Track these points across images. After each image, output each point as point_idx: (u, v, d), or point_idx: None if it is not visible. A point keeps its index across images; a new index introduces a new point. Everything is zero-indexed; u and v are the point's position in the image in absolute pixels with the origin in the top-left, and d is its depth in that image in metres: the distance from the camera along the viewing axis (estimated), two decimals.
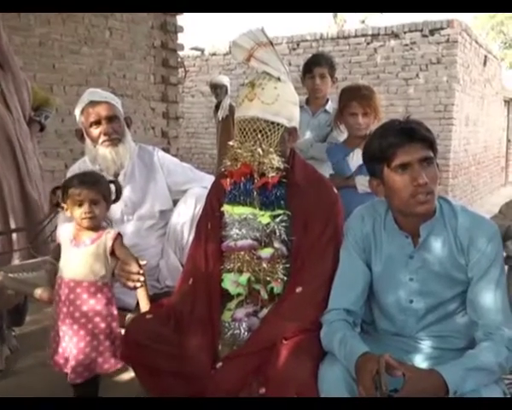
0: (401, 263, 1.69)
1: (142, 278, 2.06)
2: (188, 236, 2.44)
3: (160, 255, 2.62)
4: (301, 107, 3.37)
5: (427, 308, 1.68)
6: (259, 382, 1.66)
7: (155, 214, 2.60)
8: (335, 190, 1.97)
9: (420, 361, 1.67)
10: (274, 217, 1.83)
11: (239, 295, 1.87)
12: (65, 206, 2.04)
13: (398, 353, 1.64)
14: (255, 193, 1.83)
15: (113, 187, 2.13)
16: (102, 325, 1.99)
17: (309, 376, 1.57)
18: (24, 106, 2.97)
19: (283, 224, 1.83)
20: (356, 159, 2.64)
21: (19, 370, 2.74)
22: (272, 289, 1.85)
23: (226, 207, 1.89)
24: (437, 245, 1.64)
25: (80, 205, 1.99)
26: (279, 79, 1.83)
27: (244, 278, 1.84)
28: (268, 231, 1.83)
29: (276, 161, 1.79)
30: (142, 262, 2.08)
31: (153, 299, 2.38)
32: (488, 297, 1.58)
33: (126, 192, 2.55)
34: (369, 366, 1.43)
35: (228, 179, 1.88)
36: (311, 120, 3.33)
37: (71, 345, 1.97)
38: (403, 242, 1.68)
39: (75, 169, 2.61)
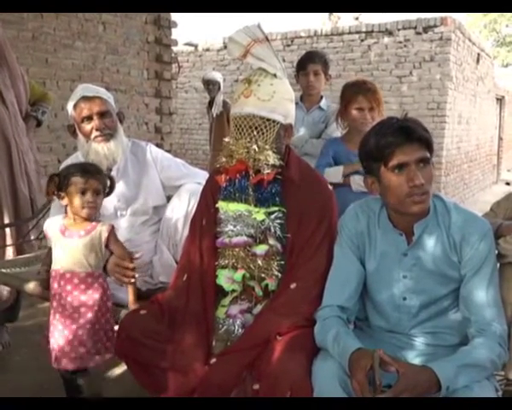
0: (395, 260, 1.69)
1: (136, 275, 2.06)
2: (181, 232, 2.43)
3: (153, 251, 2.61)
4: (296, 103, 3.39)
5: (421, 305, 1.68)
6: (253, 378, 1.66)
7: (149, 210, 2.60)
8: (330, 187, 1.97)
9: (413, 358, 1.68)
10: (269, 214, 1.82)
11: (233, 291, 1.87)
12: (62, 194, 2.01)
13: (392, 349, 1.65)
14: (250, 190, 1.82)
15: (107, 181, 2.13)
16: (99, 314, 1.99)
17: (303, 372, 1.58)
18: (20, 101, 2.96)
19: (278, 220, 1.82)
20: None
21: (11, 365, 2.73)
22: (267, 285, 1.85)
23: (221, 204, 1.88)
24: (430, 243, 1.65)
25: (83, 193, 1.98)
26: (275, 75, 1.83)
27: (239, 274, 1.84)
28: (263, 227, 1.83)
29: (272, 158, 1.79)
30: (138, 254, 2.08)
31: (146, 295, 2.38)
32: (481, 294, 1.59)
33: (119, 187, 2.54)
34: (363, 361, 1.44)
35: (223, 176, 1.87)
36: (306, 116, 3.33)
37: (66, 332, 1.96)
38: (397, 239, 1.69)
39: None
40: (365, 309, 1.82)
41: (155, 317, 1.88)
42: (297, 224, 1.84)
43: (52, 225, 2.08)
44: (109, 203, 2.54)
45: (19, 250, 2.91)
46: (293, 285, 1.79)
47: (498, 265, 1.75)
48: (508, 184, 12.23)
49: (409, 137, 1.56)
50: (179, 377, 1.72)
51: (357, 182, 2.55)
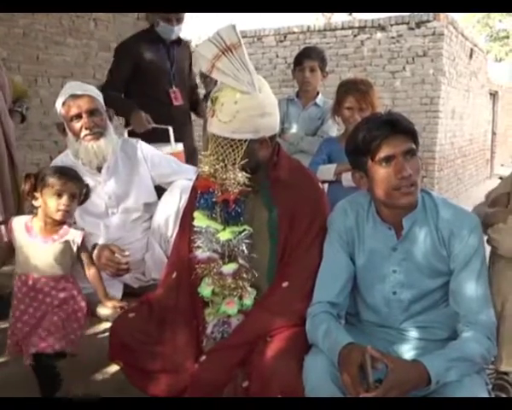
0: (384, 255, 1.70)
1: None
2: (173, 228, 2.44)
3: (145, 248, 2.62)
4: (292, 99, 3.41)
5: (411, 300, 1.69)
6: (244, 374, 1.66)
7: (140, 207, 2.59)
8: (321, 185, 1.97)
9: (404, 352, 1.68)
10: (239, 232, 1.78)
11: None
12: (36, 194, 1.95)
13: (383, 344, 1.65)
14: (218, 207, 1.79)
15: (84, 188, 2.06)
16: (69, 312, 1.96)
17: (293, 375, 1.56)
18: (5, 92, 2.93)
19: (247, 240, 1.78)
20: None
21: (3, 364, 2.72)
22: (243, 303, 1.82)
23: (196, 213, 1.85)
24: (420, 237, 1.65)
25: (59, 196, 1.92)
26: (242, 91, 1.70)
27: (208, 291, 1.82)
28: (232, 245, 1.79)
29: (238, 177, 1.72)
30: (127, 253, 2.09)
31: (139, 292, 2.38)
32: (469, 288, 1.60)
33: (110, 185, 2.54)
34: (354, 356, 1.44)
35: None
36: (302, 112, 3.33)
37: (36, 320, 1.93)
38: (386, 234, 1.69)
39: (57, 163, 2.59)
40: (356, 304, 1.82)
41: (144, 318, 1.86)
42: (289, 223, 1.82)
43: (19, 227, 1.99)
44: (100, 201, 2.54)
45: None
46: (285, 284, 1.78)
47: (488, 256, 1.76)
48: (501, 179, 12.28)
49: (394, 130, 1.58)
50: (171, 376, 1.72)
51: (348, 178, 2.56)
